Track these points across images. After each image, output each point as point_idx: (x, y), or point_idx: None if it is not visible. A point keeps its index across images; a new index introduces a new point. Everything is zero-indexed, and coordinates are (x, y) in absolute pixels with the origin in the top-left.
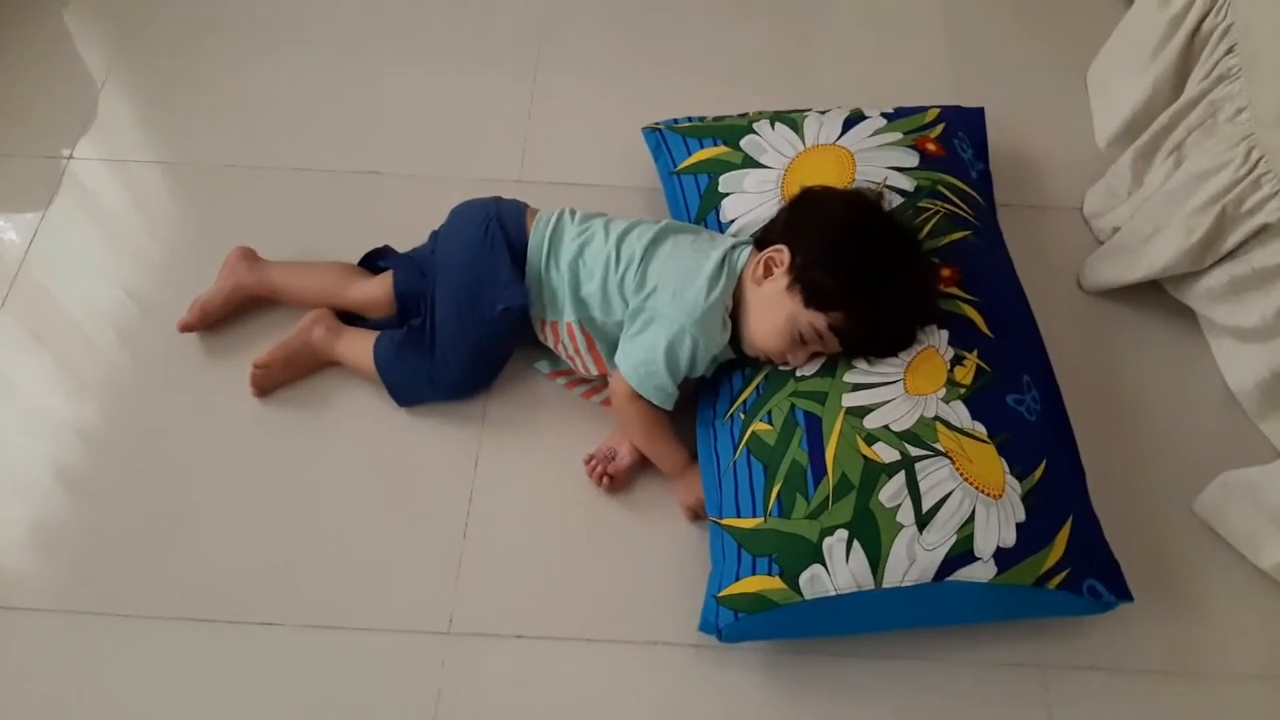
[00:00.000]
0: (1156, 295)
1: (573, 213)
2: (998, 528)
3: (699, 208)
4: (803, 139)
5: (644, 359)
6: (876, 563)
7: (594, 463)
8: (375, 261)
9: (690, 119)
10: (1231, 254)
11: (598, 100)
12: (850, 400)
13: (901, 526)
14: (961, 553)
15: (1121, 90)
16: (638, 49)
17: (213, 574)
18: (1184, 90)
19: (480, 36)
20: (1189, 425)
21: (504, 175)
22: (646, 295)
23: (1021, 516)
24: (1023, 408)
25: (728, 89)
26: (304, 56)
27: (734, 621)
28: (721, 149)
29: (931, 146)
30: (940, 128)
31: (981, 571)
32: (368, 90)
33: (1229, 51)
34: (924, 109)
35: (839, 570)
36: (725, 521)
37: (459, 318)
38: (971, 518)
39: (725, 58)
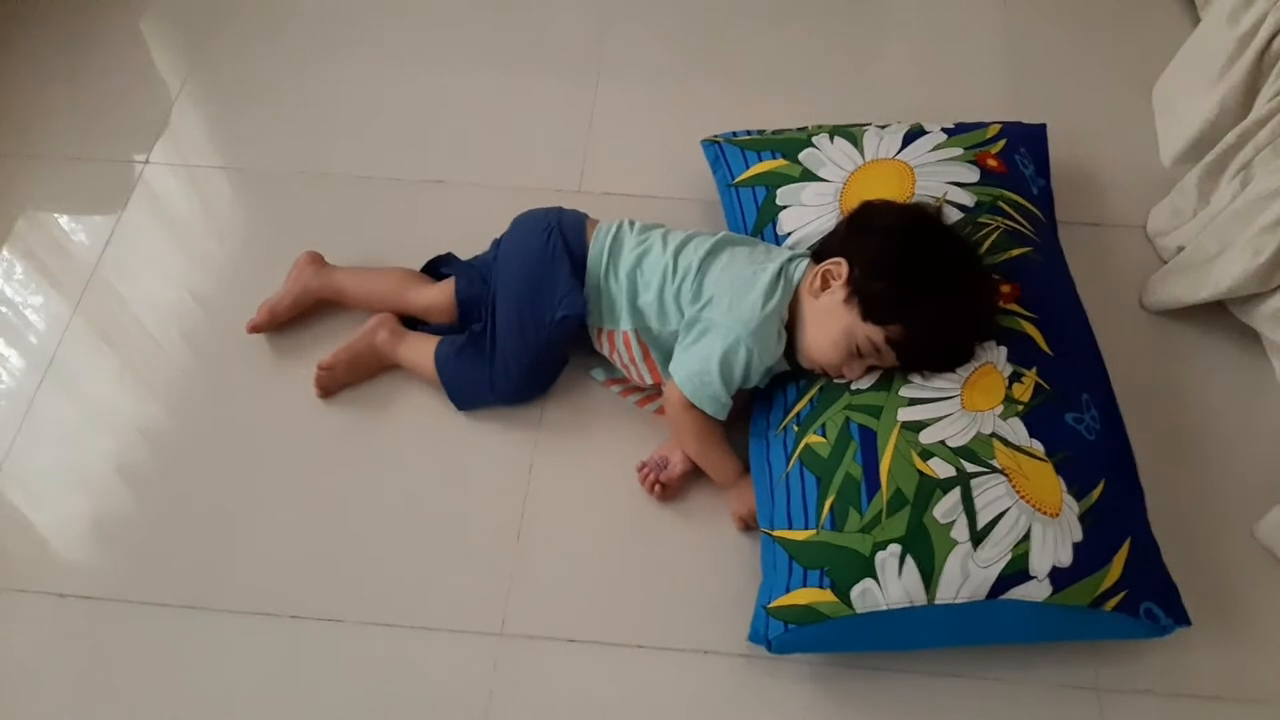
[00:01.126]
0: (1221, 316)
1: (631, 223)
2: (1054, 547)
3: (756, 220)
4: (862, 153)
5: (699, 369)
6: (929, 578)
7: (646, 470)
8: (438, 268)
9: (749, 132)
10: None
11: (657, 112)
12: (906, 415)
13: (956, 543)
14: (1016, 571)
15: (1188, 108)
16: (696, 61)
17: (275, 570)
18: (1252, 109)
19: (542, 47)
20: (1252, 448)
21: (565, 185)
22: (702, 305)
23: (1078, 536)
24: (1081, 426)
25: (786, 102)
26: (370, 65)
27: (784, 633)
28: (780, 162)
29: (992, 162)
30: (1001, 143)
31: (1036, 590)
32: (433, 98)
33: None
34: (985, 124)
35: (891, 585)
36: (777, 533)
37: (519, 324)
38: (1027, 536)
39: (784, 71)
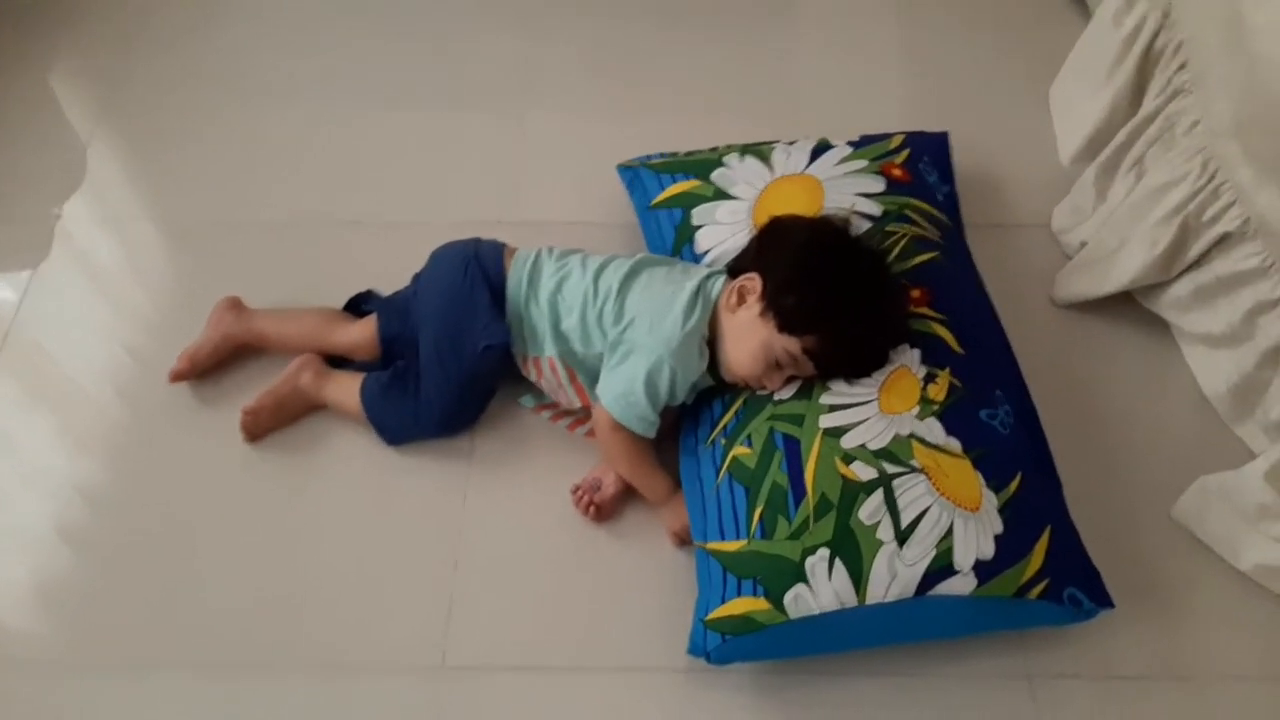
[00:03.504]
0: (1128, 306)
1: (550, 250)
2: (976, 541)
3: (674, 240)
4: (771, 169)
5: (625, 389)
6: (859, 580)
7: (580, 493)
8: (359, 306)
9: (663, 155)
10: (1196, 263)
11: (574, 140)
12: (827, 421)
13: (882, 543)
14: (941, 566)
15: (1082, 108)
16: (610, 90)
17: (212, 619)
18: (1141, 106)
19: (456, 82)
20: (1165, 432)
21: (484, 217)
22: (625, 327)
23: (999, 529)
24: (996, 421)
25: (698, 125)
26: (284, 106)
27: (721, 643)
28: (693, 183)
29: (897, 172)
30: (905, 153)
31: (962, 585)
32: (349, 137)
33: (1181, 67)
34: (889, 135)
35: (822, 589)
36: (710, 546)
37: (442, 357)
38: (950, 532)
39: (695, 95)
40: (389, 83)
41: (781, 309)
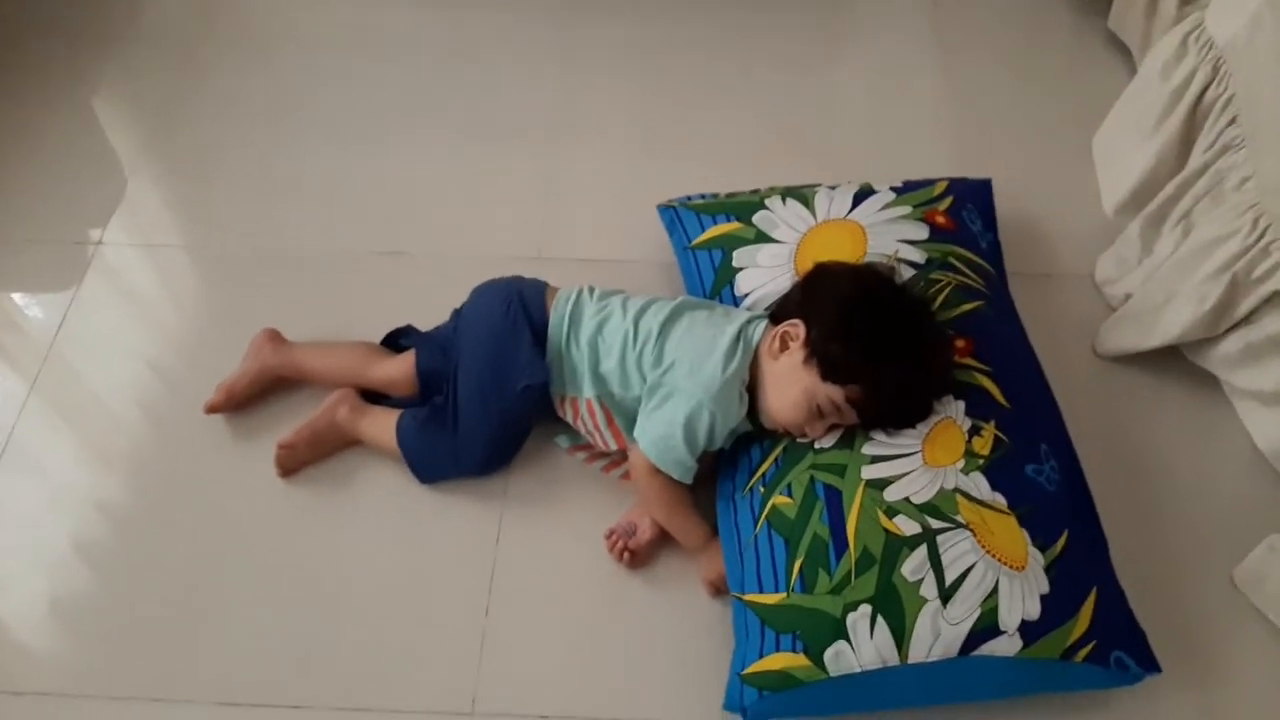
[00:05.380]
0: (1174, 360)
1: (591, 290)
2: (1022, 600)
3: (714, 282)
4: (814, 214)
5: (663, 433)
6: (901, 638)
7: (615, 537)
8: (397, 341)
9: (703, 196)
10: (1246, 320)
11: (614, 179)
12: (870, 472)
13: (925, 601)
14: (986, 626)
15: (1127, 160)
16: (653, 128)
17: (239, 655)
18: (1189, 160)
19: (499, 118)
20: (1215, 489)
21: (524, 253)
22: (664, 370)
23: (1045, 588)
24: (1042, 477)
25: (740, 165)
26: (327, 139)
27: (758, 700)
28: (735, 225)
29: (941, 219)
30: (949, 200)
31: (1007, 645)
32: (390, 172)
33: (1231, 122)
34: (932, 182)
35: (863, 646)
36: (748, 597)
37: (482, 395)
38: (995, 591)
39: (737, 135)
40: (434, 117)
41: (825, 357)
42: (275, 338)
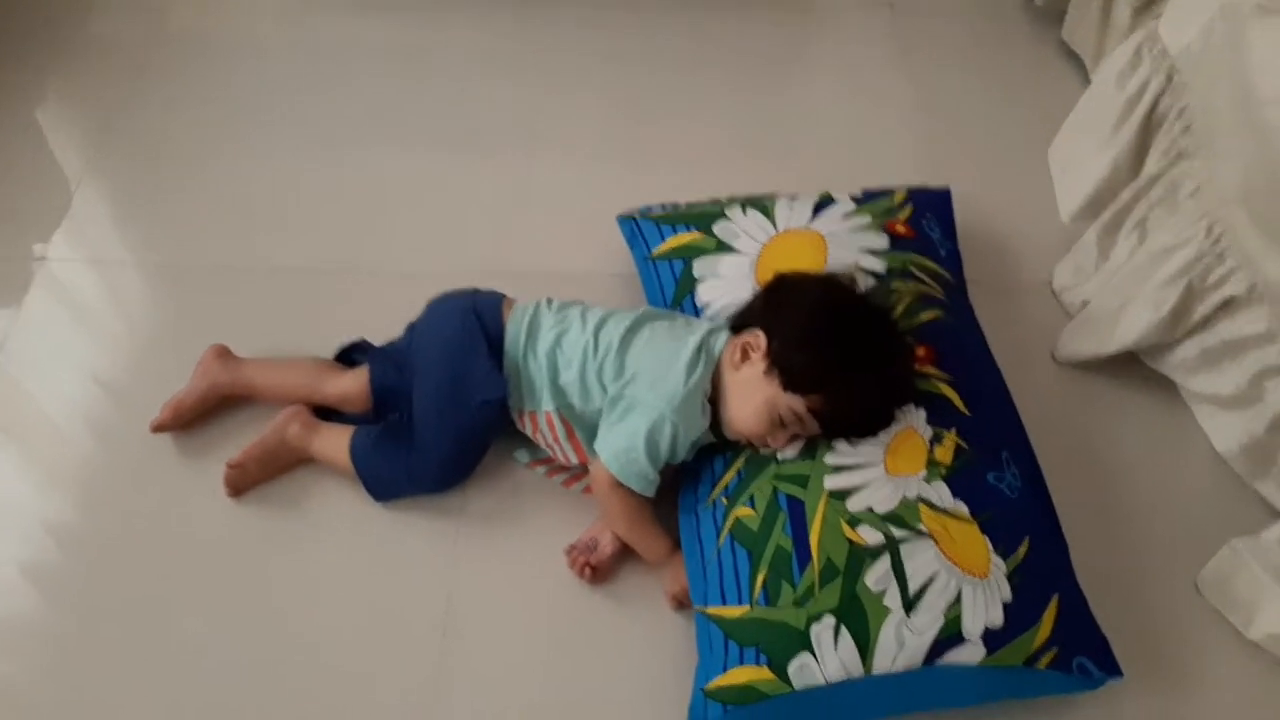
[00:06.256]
0: (1133, 365)
1: (549, 302)
2: (984, 608)
3: (675, 293)
4: (774, 224)
5: (625, 446)
6: (865, 649)
7: (575, 554)
8: (351, 356)
9: (664, 206)
10: (1201, 325)
11: (576, 190)
12: (832, 483)
13: (889, 611)
14: (950, 635)
15: (1082, 168)
16: (615, 138)
17: (187, 680)
18: (1143, 167)
19: (459, 128)
20: (1175, 492)
21: (482, 267)
22: (625, 382)
23: (1008, 596)
24: (1003, 484)
25: (702, 175)
26: (281, 150)
27: (723, 715)
28: (695, 235)
29: (901, 228)
30: (908, 209)
31: (971, 653)
32: (347, 183)
33: (1185, 130)
34: (891, 191)
35: (828, 658)
36: (711, 610)
37: (439, 411)
38: (958, 599)
39: (701, 144)
40: (388, 128)
41: (787, 367)
42: (224, 354)
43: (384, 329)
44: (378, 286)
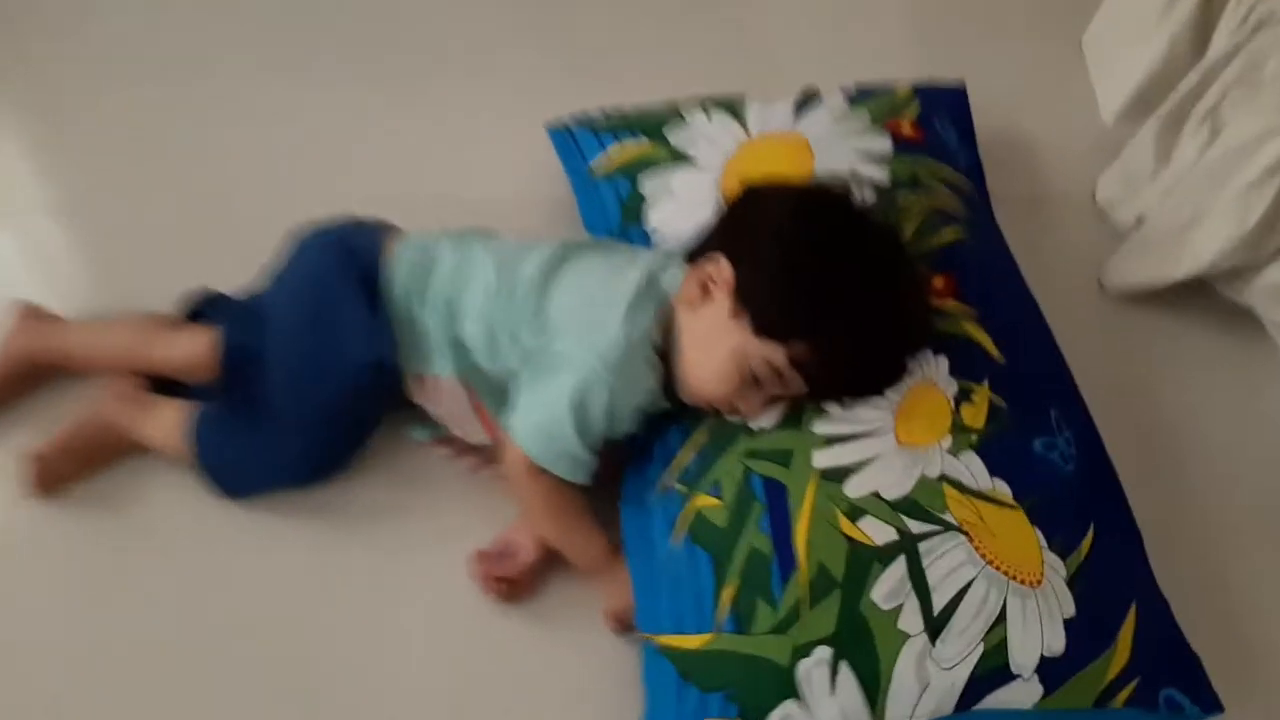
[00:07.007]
0: (1204, 295)
1: (448, 233)
2: (1039, 628)
3: (619, 218)
4: (745, 128)
5: (545, 419)
6: (875, 692)
7: (485, 564)
8: (205, 312)
9: (605, 112)
10: None
11: (496, 107)
12: (824, 459)
13: (906, 636)
14: (993, 668)
15: (1129, 55)
16: (536, 38)
17: None
18: (1210, 44)
19: (360, 45)
20: (1262, 456)
21: (377, 193)
22: (546, 334)
23: (1070, 609)
24: (1055, 454)
25: (648, 77)
26: (148, 82)
27: None
28: (644, 144)
29: (907, 129)
30: (915, 107)
31: (1024, 693)
32: (228, 117)
33: None
34: (892, 87)
35: (822, 706)
36: (662, 640)
37: (299, 377)
38: (1002, 616)
39: (652, 41)
40: (282, 54)
41: (760, 304)
42: (35, 313)
43: (251, 277)
44: (245, 222)
